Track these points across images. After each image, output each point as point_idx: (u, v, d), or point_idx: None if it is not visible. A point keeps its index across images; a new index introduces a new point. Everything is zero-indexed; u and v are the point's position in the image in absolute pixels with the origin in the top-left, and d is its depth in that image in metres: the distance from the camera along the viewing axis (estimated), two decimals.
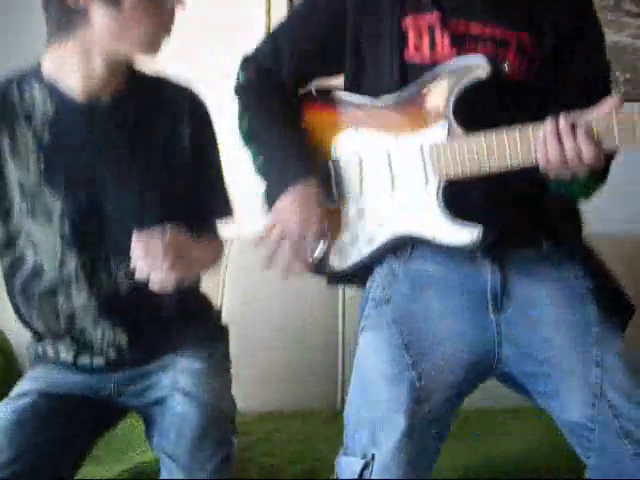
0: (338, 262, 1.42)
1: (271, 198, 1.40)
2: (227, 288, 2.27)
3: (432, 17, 1.31)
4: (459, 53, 1.29)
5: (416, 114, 1.31)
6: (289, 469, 1.79)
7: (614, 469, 1.27)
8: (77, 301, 1.39)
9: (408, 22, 1.33)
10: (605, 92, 1.27)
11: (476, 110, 1.27)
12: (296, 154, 1.39)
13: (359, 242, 1.40)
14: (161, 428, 1.46)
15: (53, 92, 1.34)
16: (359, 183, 1.39)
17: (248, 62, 1.48)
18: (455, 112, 1.26)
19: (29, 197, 1.35)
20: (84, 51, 1.31)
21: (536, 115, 1.21)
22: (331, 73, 1.47)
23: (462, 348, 1.32)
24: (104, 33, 1.29)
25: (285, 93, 1.46)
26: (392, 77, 1.34)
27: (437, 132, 1.28)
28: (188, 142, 1.45)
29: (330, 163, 1.42)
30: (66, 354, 1.45)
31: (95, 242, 1.39)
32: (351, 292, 2.09)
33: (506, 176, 1.23)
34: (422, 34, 1.32)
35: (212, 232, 1.56)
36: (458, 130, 1.26)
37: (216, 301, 2.09)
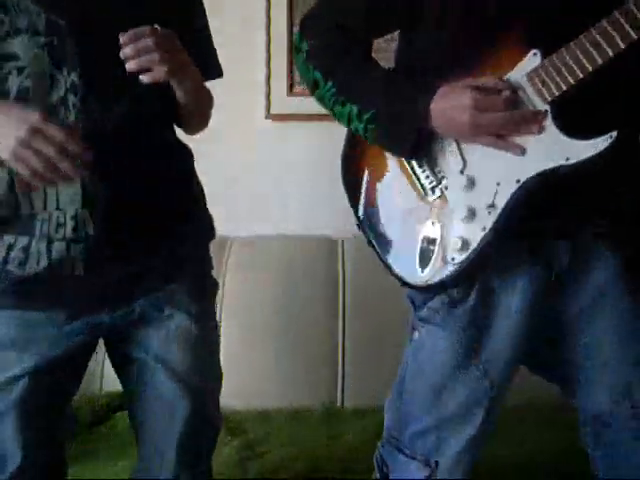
0: (458, 254, 1.26)
1: (411, 134, 1.25)
2: (227, 287, 2.26)
3: None
4: None
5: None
6: (289, 468, 1.80)
7: (622, 467, 1.28)
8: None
9: None
10: None
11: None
12: (412, 82, 1.28)
13: (478, 215, 1.24)
14: (144, 408, 1.40)
15: None
16: (459, 153, 1.26)
17: (310, 27, 1.38)
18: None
19: (12, 12, 1.23)
20: None
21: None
22: (400, 26, 1.37)
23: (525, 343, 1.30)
24: None
25: (362, 44, 1.37)
26: None
27: (528, 64, 1.21)
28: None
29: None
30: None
31: (88, 64, 1.26)
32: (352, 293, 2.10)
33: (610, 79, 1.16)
34: None
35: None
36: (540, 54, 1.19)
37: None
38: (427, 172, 1.29)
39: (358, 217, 1.41)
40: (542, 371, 1.41)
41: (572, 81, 1.15)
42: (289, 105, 2.43)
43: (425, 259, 1.29)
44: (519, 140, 1.20)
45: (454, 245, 1.25)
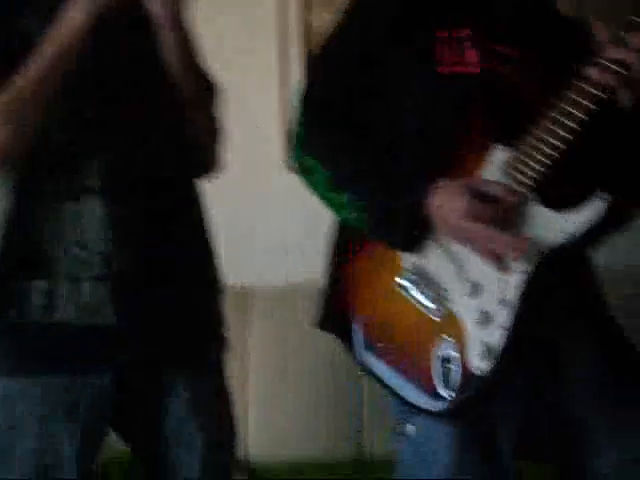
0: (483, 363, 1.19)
1: (404, 226, 1.25)
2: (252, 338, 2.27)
3: (464, 32, 1.31)
4: (486, 68, 1.30)
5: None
6: None
7: None
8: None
9: (440, 35, 1.32)
10: None
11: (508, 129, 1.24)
12: (407, 171, 1.28)
13: (493, 316, 1.19)
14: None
15: None
16: (452, 260, 1.25)
17: (310, 111, 1.38)
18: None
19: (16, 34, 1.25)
20: None
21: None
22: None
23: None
24: None
25: (355, 128, 1.36)
26: (420, 84, 1.30)
27: (496, 158, 1.24)
28: None
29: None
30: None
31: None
32: None
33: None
34: (452, 44, 1.31)
35: None
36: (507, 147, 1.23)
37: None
38: (425, 291, 1.26)
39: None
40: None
41: (548, 162, 1.17)
42: None
43: (446, 380, 1.22)
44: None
45: (477, 355, 1.19)
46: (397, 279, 1.30)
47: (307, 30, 2.49)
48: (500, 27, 1.34)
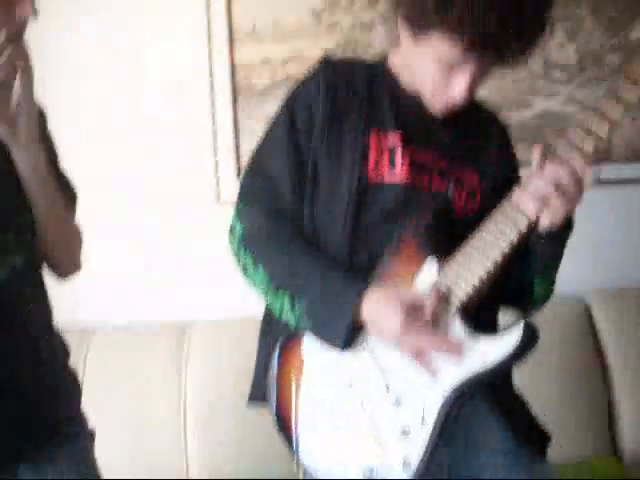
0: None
1: (339, 333, 1.29)
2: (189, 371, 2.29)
3: (394, 139, 1.36)
4: (414, 179, 1.35)
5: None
6: None
7: None
8: None
9: (371, 141, 1.37)
10: None
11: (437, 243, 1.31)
12: (343, 273, 1.33)
13: (411, 432, 1.26)
14: None
15: None
16: (380, 371, 1.31)
17: (244, 210, 1.43)
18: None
19: None
20: None
21: None
22: None
23: None
24: None
25: (293, 228, 1.40)
26: (349, 191, 1.35)
27: (428, 271, 1.29)
28: None
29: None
30: None
31: None
32: None
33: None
34: (383, 152, 1.36)
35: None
36: (436, 262, 1.29)
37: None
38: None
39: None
40: None
41: (476, 283, 1.24)
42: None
43: None
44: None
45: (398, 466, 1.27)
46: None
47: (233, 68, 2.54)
48: (431, 138, 1.39)
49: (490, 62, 1.28)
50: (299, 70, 2.48)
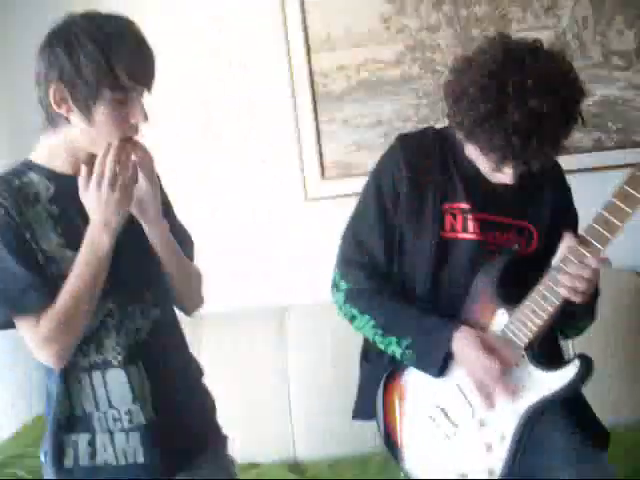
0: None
1: (437, 361, 1.66)
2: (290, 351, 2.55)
3: (465, 206, 1.69)
4: (482, 236, 1.68)
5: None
6: None
7: None
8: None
9: (446, 207, 1.70)
10: None
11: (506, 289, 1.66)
12: (435, 318, 1.68)
13: (493, 447, 1.63)
14: None
15: (49, 174, 1.52)
16: (466, 401, 1.67)
17: (346, 272, 1.78)
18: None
19: (56, 262, 1.50)
20: (69, 145, 1.52)
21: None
22: None
23: None
24: (82, 135, 1.48)
25: (389, 284, 1.75)
26: (431, 250, 1.69)
27: (499, 319, 1.65)
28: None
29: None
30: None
31: (119, 290, 1.56)
32: None
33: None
34: (457, 217, 1.69)
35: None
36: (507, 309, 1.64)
37: None
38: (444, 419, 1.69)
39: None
40: None
41: (536, 329, 1.58)
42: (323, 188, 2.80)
43: None
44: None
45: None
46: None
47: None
48: (494, 200, 1.70)
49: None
50: (372, 74, 2.73)
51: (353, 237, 1.79)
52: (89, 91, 1.43)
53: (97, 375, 1.56)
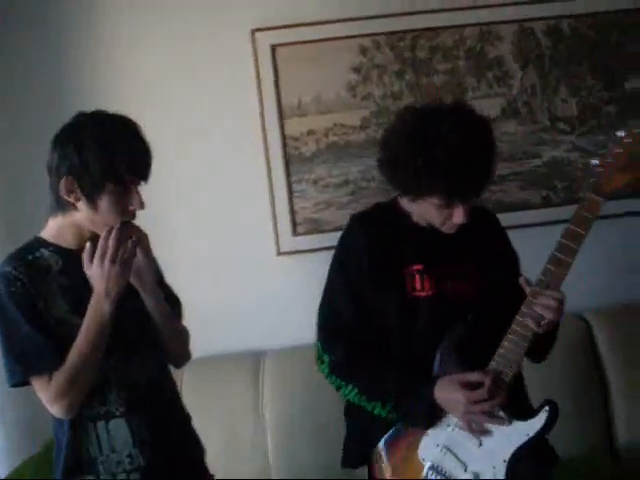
0: None
1: (424, 416, 1.83)
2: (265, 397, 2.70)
3: (419, 267, 1.90)
4: (438, 289, 1.89)
5: None
6: None
7: None
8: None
9: (404, 272, 1.90)
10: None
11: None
12: (416, 375, 1.85)
13: None
14: None
15: (57, 249, 1.72)
16: (458, 460, 1.83)
17: (327, 343, 1.94)
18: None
19: (65, 327, 1.67)
20: (75, 225, 1.72)
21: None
22: None
23: None
24: (87, 219, 1.69)
25: (371, 352, 1.91)
26: (397, 307, 1.88)
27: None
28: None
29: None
30: None
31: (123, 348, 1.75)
32: None
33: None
34: (415, 278, 1.90)
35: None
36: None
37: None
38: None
39: None
40: None
41: (513, 369, 1.79)
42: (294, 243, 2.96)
43: None
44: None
45: None
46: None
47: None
48: (444, 254, 1.91)
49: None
50: (340, 138, 2.94)
51: (327, 307, 1.98)
52: (94, 185, 1.65)
53: (101, 424, 1.74)
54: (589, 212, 1.74)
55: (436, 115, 1.79)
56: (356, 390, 1.89)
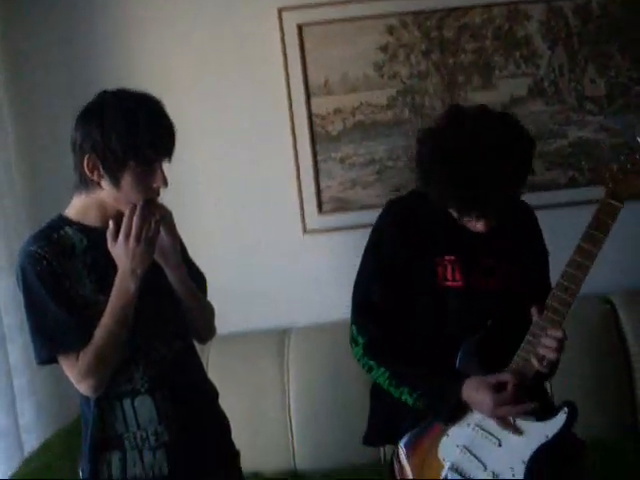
0: None
1: (449, 411, 1.85)
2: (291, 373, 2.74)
3: (451, 257, 1.92)
4: (468, 282, 1.91)
5: None
6: None
7: None
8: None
9: (437, 260, 1.92)
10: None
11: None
12: (445, 370, 1.86)
13: None
14: None
15: (82, 228, 1.71)
16: (479, 461, 1.84)
17: (361, 325, 1.98)
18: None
19: (91, 305, 1.69)
20: (99, 203, 1.72)
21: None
22: None
23: None
24: (111, 196, 1.69)
25: (403, 337, 1.94)
26: (427, 295, 1.92)
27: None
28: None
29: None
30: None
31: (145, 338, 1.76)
32: None
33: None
34: (447, 268, 1.92)
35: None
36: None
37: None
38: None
39: None
40: None
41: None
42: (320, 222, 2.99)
43: None
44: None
45: None
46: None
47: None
48: (476, 247, 1.93)
49: None
50: (366, 117, 2.94)
51: (361, 289, 2.01)
52: (117, 162, 1.65)
53: (127, 401, 1.76)
54: (609, 217, 1.77)
55: (461, 129, 1.79)
56: (387, 374, 1.91)
